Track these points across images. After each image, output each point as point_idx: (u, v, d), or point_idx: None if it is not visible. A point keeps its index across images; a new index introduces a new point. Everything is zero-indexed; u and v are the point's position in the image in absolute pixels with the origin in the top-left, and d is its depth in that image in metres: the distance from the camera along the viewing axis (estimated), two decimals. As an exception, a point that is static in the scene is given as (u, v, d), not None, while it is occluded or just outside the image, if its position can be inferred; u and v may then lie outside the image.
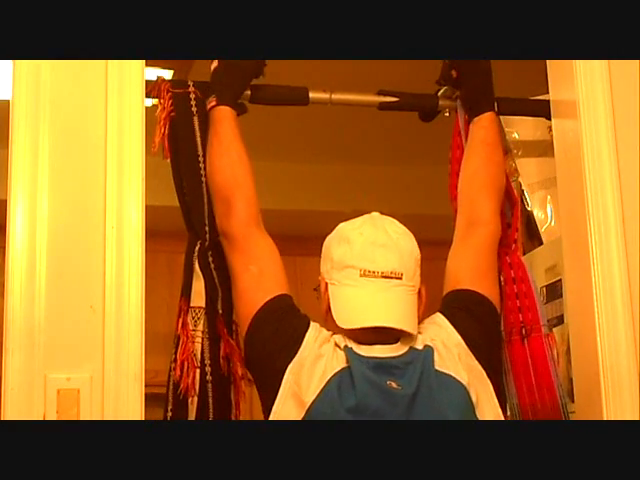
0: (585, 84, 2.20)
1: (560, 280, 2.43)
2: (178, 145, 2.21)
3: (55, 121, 1.96)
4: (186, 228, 2.22)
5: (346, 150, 4.21)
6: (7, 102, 1.96)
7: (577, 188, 2.18)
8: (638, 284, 2.11)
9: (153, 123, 2.17)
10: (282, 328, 1.96)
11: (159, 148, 2.18)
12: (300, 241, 3.92)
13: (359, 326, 1.93)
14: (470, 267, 2.12)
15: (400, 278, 1.96)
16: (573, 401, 2.22)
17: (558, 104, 2.30)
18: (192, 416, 2.11)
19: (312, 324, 1.97)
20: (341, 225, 2.07)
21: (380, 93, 2.38)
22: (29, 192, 1.92)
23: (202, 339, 2.14)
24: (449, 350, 1.96)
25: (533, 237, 2.57)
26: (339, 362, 1.90)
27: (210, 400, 2.12)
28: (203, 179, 2.18)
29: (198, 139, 2.21)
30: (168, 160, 2.22)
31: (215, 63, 2.21)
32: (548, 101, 2.34)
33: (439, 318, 2.03)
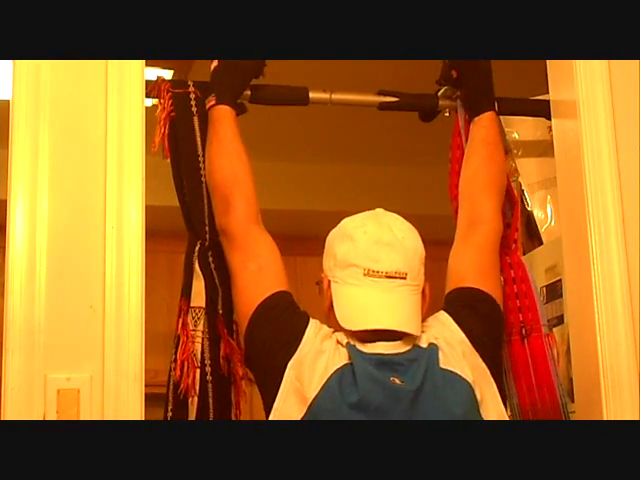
0: (585, 84, 2.20)
1: (560, 280, 2.43)
2: (178, 145, 2.21)
3: (55, 121, 1.96)
4: (186, 228, 2.22)
5: (346, 150, 4.21)
6: (7, 102, 1.96)
7: (577, 188, 2.18)
8: (638, 284, 2.11)
9: (153, 123, 2.17)
10: (282, 324, 1.95)
11: (159, 148, 2.18)
12: (300, 241, 3.93)
13: (362, 328, 1.92)
14: (473, 265, 2.12)
15: (404, 278, 1.95)
16: (573, 401, 2.22)
17: (558, 104, 2.30)
18: (192, 416, 2.11)
19: (312, 321, 1.96)
20: (345, 221, 2.05)
21: (380, 93, 2.38)
22: (29, 192, 1.92)
23: (202, 339, 2.14)
24: (453, 348, 1.96)
25: (533, 237, 2.57)
26: (341, 358, 1.90)
27: (210, 400, 2.12)
28: (203, 179, 2.18)
29: (198, 139, 2.21)
30: (168, 160, 2.22)
31: (215, 63, 2.21)
32: (548, 101, 2.34)
33: (443, 316, 2.03)
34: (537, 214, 2.55)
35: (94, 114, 1.98)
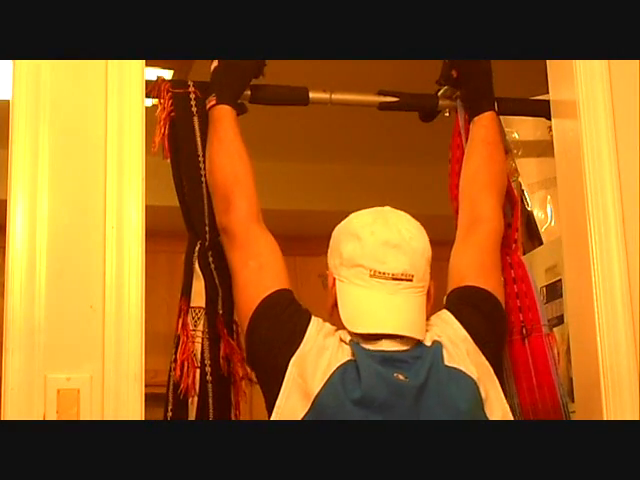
0: (585, 84, 2.20)
1: (560, 280, 2.43)
2: (178, 145, 2.21)
3: (55, 121, 1.96)
4: (186, 228, 2.22)
5: (346, 150, 4.21)
6: (7, 102, 1.96)
7: (577, 188, 2.18)
8: (638, 284, 2.11)
9: (153, 123, 2.17)
10: (283, 322, 1.95)
11: (159, 148, 2.18)
12: (300, 241, 3.93)
13: (366, 331, 1.91)
14: (474, 264, 2.12)
15: (410, 280, 1.94)
16: (573, 401, 2.22)
17: (558, 104, 2.30)
18: (192, 416, 2.11)
19: (314, 318, 1.95)
20: (352, 218, 2.04)
21: (380, 93, 2.38)
22: (29, 192, 1.92)
23: (202, 339, 2.14)
24: (456, 346, 1.95)
25: (533, 237, 2.57)
26: (344, 355, 1.89)
27: (210, 400, 2.12)
28: (203, 179, 2.18)
29: (198, 139, 2.21)
30: (168, 160, 2.22)
31: (215, 63, 2.21)
32: (548, 101, 2.34)
33: (445, 315, 2.02)
34: (537, 214, 2.55)
35: (94, 114, 1.98)
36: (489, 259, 2.14)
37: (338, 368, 1.87)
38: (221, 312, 2.16)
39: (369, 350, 1.90)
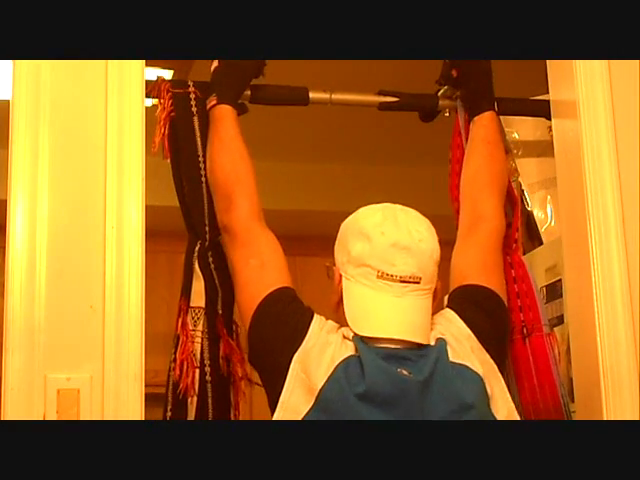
0: (585, 84, 2.20)
1: (560, 280, 2.43)
2: (178, 145, 2.21)
3: (55, 121, 1.96)
4: (186, 228, 2.22)
5: (346, 150, 4.21)
6: (7, 102, 1.96)
7: (577, 188, 2.18)
8: (638, 284, 2.11)
9: (153, 123, 2.17)
10: (286, 319, 1.94)
11: (159, 148, 2.18)
12: (300, 241, 3.93)
13: (372, 335, 1.90)
14: (476, 263, 2.11)
15: (418, 282, 1.93)
16: (573, 401, 2.22)
17: (558, 104, 2.30)
18: (191, 416, 2.11)
19: (316, 316, 1.95)
20: (361, 216, 2.01)
21: (380, 93, 2.38)
22: (29, 192, 1.92)
23: (202, 339, 2.14)
24: (461, 343, 1.95)
25: (533, 237, 2.57)
26: (347, 350, 1.88)
27: (209, 400, 2.12)
28: (203, 179, 2.18)
29: (198, 139, 2.21)
30: (168, 160, 2.22)
31: (215, 63, 2.21)
32: (548, 101, 2.34)
33: (449, 313, 2.02)
34: (537, 214, 2.55)
35: (94, 114, 1.98)
36: (491, 258, 2.14)
37: (341, 363, 1.86)
38: (221, 312, 2.16)
39: (372, 346, 1.89)
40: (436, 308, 2.03)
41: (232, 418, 2.16)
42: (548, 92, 2.34)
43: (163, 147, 2.19)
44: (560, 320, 2.42)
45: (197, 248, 2.17)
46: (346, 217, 2.05)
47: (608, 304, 2.10)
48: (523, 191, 2.54)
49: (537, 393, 2.19)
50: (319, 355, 1.88)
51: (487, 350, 1.97)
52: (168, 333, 2.18)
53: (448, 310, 2.03)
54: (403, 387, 1.85)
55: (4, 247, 1.90)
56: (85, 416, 1.86)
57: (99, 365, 1.89)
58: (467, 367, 1.91)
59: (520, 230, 2.32)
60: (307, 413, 1.84)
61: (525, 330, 2.22)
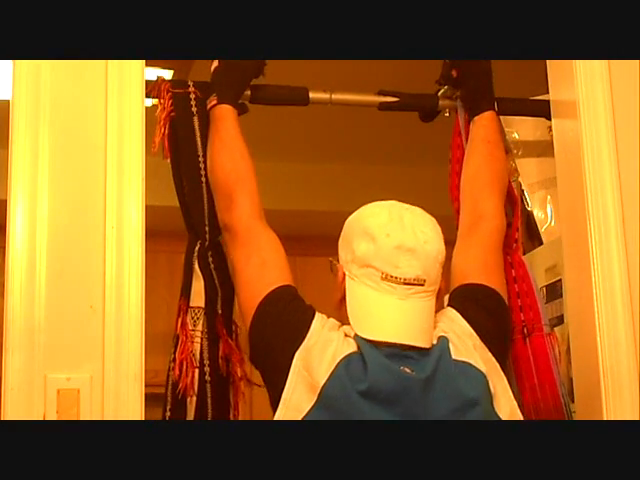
0: (585, 84, 2.20)
1: (560, 280, 2.43)
2: (178, 145, 2.21)
3: (55, 121, 1.96)
4: (186, 228, 2.22)
5: (346, 150, 4.21)
6: (7, 102, 1.96)
7: (577, 188, 2.18)
8: (638, 284, 2.11)
9: (153, 123, 2.17)
10: (287, 317, 1.94)
11: (159, 148, 2.18)
12: (300, 241, 3.93)
13: (374, 339, 1.89)
14: (477, 262, 2.11)
15: (422, 284, 1.92)
16: (573, 401, 2.22)
17: (558, 104, 2.30)
18: (190, 416, 2.11)
19: (318, 314, 1.94)
20: (366, 214, 1.99)
21: (380, 93, 2.38)
22: (29, 192, 1.92)
23: (201, 339, 2.14)
24: (463, 341, 1.94)
25: (533, 237, 2.57)
26: (349, 347, 1.88)
27: (209, 400, 2.12)
28: (203, 179, 2.18)
29: (198, 139, 2.21)
30: (168, 160, 2.22)
31: (215, 63, 2.21)
32: (548, 101, 2.34)
33: (451, 312, 2.02)
34: (537, 214, 2.55)
35: (94, 114, 1.98)
36: (492, 257, 2.14)
37: (342, 359, 1.86)
38: (220, 312, 2.16)
39: (375, 345, 1.89)
40: (438, 307, 2.03)
41: (231, 418, 2.16)
42: (548, 92, 2.35)
43: (163, 147, 2.19)
44: (560, 320, 2.42)
45: (197, 248, 2.17)
46: (346, 217, 2.04)
47: (608, 304, 2.10)
48: (523, 191, 2.54)
49: (538, 393, 2.19)
50: (321, 352, 1.87)
51: (489, 348, 1.97)
52: (168, 333, 2.18)
53: (450, 309, 2.03)
54: (406, 384, 1.85)
55: (4, 247, 1.90)
56: (85, 416, 1.86)
57: (99, 365, 1.89)
58: (470, 364, 1.91)
59: (520, 230, 2.32)
60: (309, 411, 1.84)
61: (525, 330, 2.22)
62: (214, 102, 2.17)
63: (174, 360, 2.12)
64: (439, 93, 2.41)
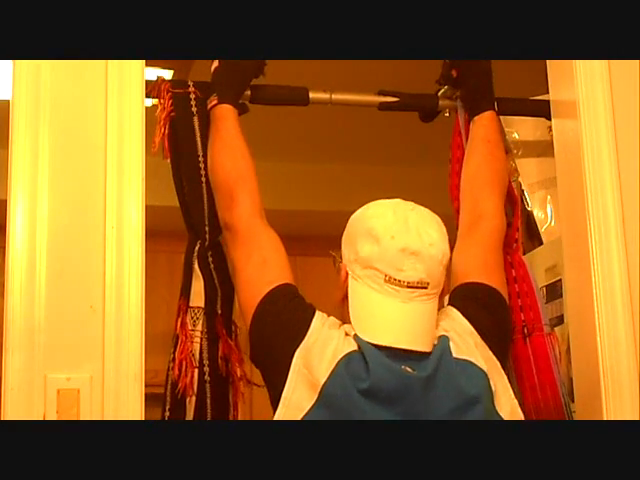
0: (585, 84, 2.20)
1: (560, 280, 2.43)
2: (178, 145, 2.21)
3: (55, 121, 1.96)
4: (186, 228, 2.22)
5: (346, 150, 4.21)
6: (7, 102, 1.96)
7: (577, 188, 2.18)
8: (638, 284, 2.11)
9: (153, 123, 2.17)
10: (287, 316, 1.93)
11: (159, 148, 2.18)
12: (300, 241, 3.92)
13: (376, 343, 1.88)
14: (478, 262, 2.11)
15: (425, 287, 1.91)
16: (573, 401, 2.22)
17: (558, 104, 2.30)
18: (190, 416, 2.11)
19: (318, 313, 1.94)
20: (371, 213, 1.97)
21: (380, 93, 2.38)
22: (29, 192, 1.92)
23: (201, 339, 2.14)
24: (464, 339, 1.94)
25: (533, 237, 2.57)
26: (350, 346, 1.87)
27: (208, 400, 2.12)
28: (203, 179, 2.18)
29: (198, 139, 2.21)
30: (168, 160, 2.22)
31: (215, 63, 2.21)
32: (548, 101, 2.34)
33: (451, 311, 2.01)
34: (537, 214, 2.55)
35: (94, 114, 1.98)
36: (492, 256, 2.14)
37: (342, 358, 1.85)
38: (220, 312, 2.16)
39: (375, 344, 1.89)
40: (439, 307, 2.02)
41: (231, 418, 2.16)
42: (548, 92, 2.35)
43: (163, 147, 2.19)
44: (560, 320, 2.42)
45: (197, 248, 2.17)
46: (346, 217, 2.03)
47: (608, 304, 2.10)
48: (523, 191, 2.54)
49: (538, 393, 2.19)
50: (321, 351, 1.87)
51: (489, 347, 1.97)
52: (168, 333, 2.18)
53: (451, 308, 2.03)
54: (407, 383, 1.85)
55: (4, 247, 1.90)
56: (85, 416, 1.86)
57: (99, 365, 1.89)
58: (471, 363, 1.91)
59: (520, 230, 2.32)
60: (310, 409, 1.84)
61: (526, 330, 2.22)
62: (214, 102, 2.17)
63: (173, 360, 2.12)
64: (439, 93, 2.41)
